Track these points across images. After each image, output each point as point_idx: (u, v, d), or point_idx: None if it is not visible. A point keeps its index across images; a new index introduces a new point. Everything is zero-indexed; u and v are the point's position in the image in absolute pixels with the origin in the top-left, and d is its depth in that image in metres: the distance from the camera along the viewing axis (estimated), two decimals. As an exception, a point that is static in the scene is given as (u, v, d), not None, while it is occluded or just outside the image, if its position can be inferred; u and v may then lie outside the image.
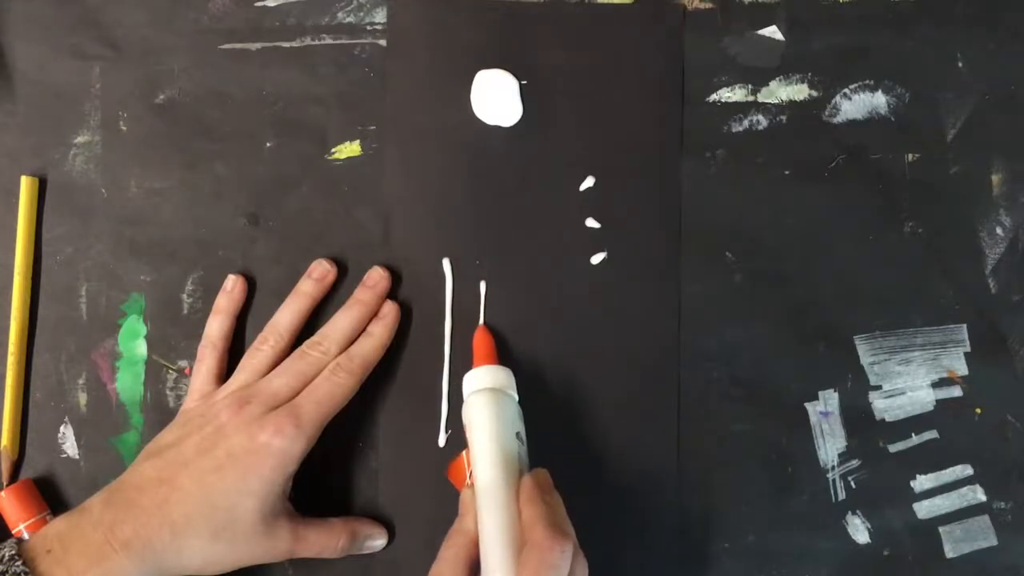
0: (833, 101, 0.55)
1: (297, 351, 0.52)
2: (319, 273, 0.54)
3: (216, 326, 0.54)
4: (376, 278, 0.54)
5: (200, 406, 0.51)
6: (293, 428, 0.48)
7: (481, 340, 0.53)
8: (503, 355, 0.54)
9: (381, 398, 0.54)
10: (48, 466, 0.55)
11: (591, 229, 0.55)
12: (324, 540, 0.51)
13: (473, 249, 0.55)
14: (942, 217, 0.54)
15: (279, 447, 0.48)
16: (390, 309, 0.53)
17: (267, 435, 0.48)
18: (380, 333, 0.53)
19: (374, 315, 0.53)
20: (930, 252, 0.54)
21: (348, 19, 0.56)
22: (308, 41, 0.56)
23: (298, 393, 0.50)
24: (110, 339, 0.55)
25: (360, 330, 0.53)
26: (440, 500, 0.54)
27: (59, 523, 0.46)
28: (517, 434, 0.49)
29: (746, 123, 0.55)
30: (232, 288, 0.54)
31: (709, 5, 0.55)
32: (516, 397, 0.51)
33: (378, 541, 0.53)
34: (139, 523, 0.46)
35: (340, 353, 0.52)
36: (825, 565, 0.54)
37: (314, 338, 0.52)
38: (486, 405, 0.49)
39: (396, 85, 0.55)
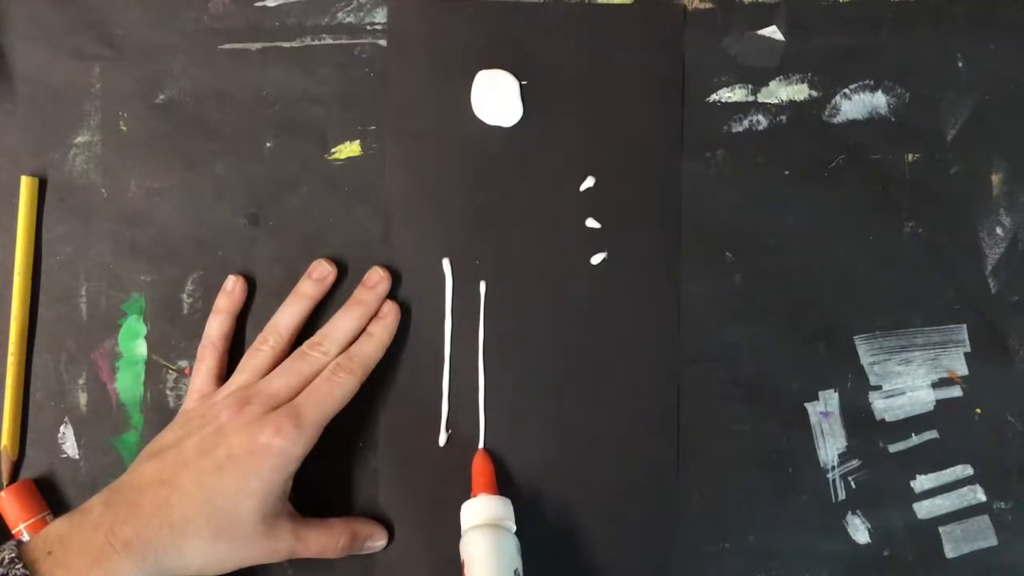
0: (833, 101, 0.55)
1: (297, 351, 0.52)
2: (319, 273, 0.54)
3: (216, 326, 0.54)
4: (376, 278, 0.54)
5: (200, 406, 0.51)
6: (293, 428, 0.48)
7: (480, 467, 0.53)
8: (503, 354, 0.54)
9: (381, 398, 0.54)
10: (48, 466, 0.55)
11: (591, 229, 0.55)
12: (324, 540, 0.51)
13: (473, 249, 0.55)
14: (942, 217, 0.54)
15: (279, 447, 0.48)
16: (390, 309, 0.53)
17: (267, 436, 0.48)
18: (380, 333, 0.53)
19: (374, 315, 0.53)
20: (930, 252, 0.54)
21: (348, 19, 0.56)
22: (308, 41, 0.56)
23: (298, 393, 0.50)
24: (110, 339, 0.55)
25: (360, 330, 0.53)
26: (440, 500, 0.54)
27: (59, 524, 0.46)
28: (515, 572, 0.49)
29: (746, 123, 0.55)
30: (232, 288, 0.54)
31: (709, 5, 0.55)
32: (514, 528, 0.51)
33: (378, 542, 0.53)
34: (140, 524, 0.46)
35: (340, 353, 0.52)
36: (825, 565, 0.54)
37: (314, 338, 0.52)
38: (486, 544, 0.49)
39: (396, 85, 0.55)
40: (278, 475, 0.48)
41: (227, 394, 0.51)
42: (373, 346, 0.52)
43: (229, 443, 0.48)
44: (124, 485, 0.48)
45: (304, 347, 0.52)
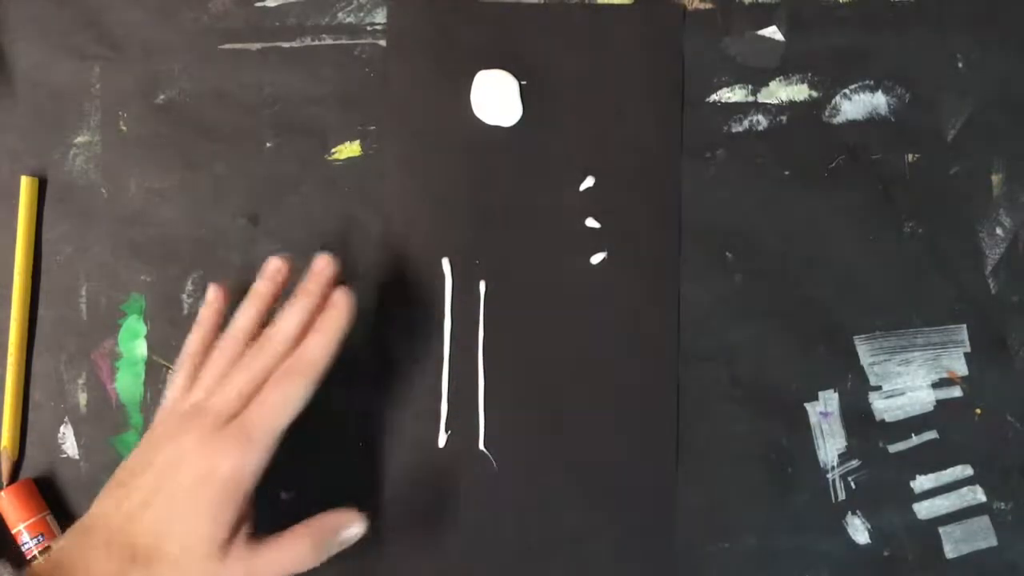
0: (833, 101, 0.55)
1: (243, 358, 0.48)
2: (270, 271, 0.50)
3: (196, 339, 0.51)
4: (321, 264, 0.49)
5: (163, 424, 0.48)
6: (242, 448, 0.45)
7: None
8: (503, 354, 0.54)
9: (381, 398, 0.54)
10: (48, 466, 0.55)
11: (591, 229, 0.55)
12: (288, 554, 0.47)
13: (473, 249, 0.55)
14: (942, 217, 0.54)
15: (229, 470, 0.45)
16: (340, 296, 0.48)
17: (218, 458, 0.45)
18: (328, 326, 0.48)
19: (323, 306, 0.49)
20: (930, 252, 0.54)
21: (348, 19, 0.56)
22: (308, 41, 0.56)
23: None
24: (110, 339, 0.55)
25: (309, 324, 0.48)
26: (440, 500, 0.54)
27: (41, 565, 0.44)
28: None
29: (746, 123, 0.55)
30: (213, 299, 0.52)
31: (709, 5, 0.55)
32: None
33: (353, 529, 0.48)
34: (111, 555, 0.44)
35: (290, 353, 0.48)
36: (825, 565, 0.54)
37: (259, 340, 0.48)
38: None
39: (396, 85, 0.55)
40: (230, 498, 0.45)
41: (181, 413, 0.48)
42: (322, 342, 0.47)
43: (184, 471, 0.45)
44: (94, 519, 0.46)
45: (251, 351, 0.48)
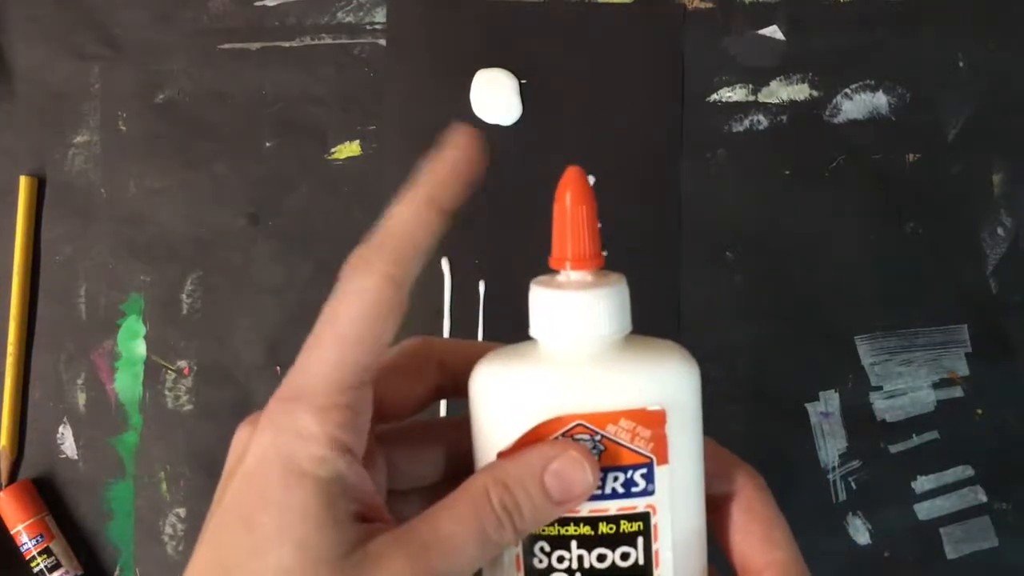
0: (833, 101, 0.55)
1: None
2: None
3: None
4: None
5: None
6: None
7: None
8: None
9: (381, 398, 0.54)
10: (47, 466, 0.55)
11: (591, 229, 0.55)
12: None
13: (472, 249, 0.55)
14: (942, 217, 0.54)
15: None
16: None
17: None
18: None
19: None
20: (930, 252, 0.54)
21: (348, 19, 0.56)
22: (308, 41, 0.56)
23: None
24: (109, 339, 0.55)
25: None
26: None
27: None
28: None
29: (746, 123, 0.55)
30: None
31: (709, 5, 0.55)
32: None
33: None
34: None
35: None
36: (825, 566, 0.54)
37: None
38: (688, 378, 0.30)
39: (396, 85, 0.55)
40: None
41: None
42: None
43: None
44: None
45: None
